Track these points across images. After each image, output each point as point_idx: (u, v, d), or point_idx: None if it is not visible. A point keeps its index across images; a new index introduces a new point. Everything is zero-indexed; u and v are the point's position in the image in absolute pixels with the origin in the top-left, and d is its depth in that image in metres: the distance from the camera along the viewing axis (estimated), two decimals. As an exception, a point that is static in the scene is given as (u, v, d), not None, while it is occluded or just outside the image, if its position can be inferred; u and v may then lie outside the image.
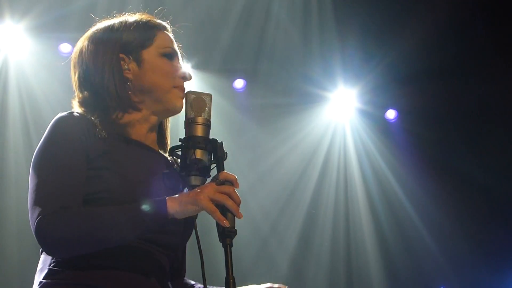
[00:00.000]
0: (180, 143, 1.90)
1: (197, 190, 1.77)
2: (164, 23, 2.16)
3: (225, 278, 1.72)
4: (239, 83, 5.92)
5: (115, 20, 2.13)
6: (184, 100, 1.96)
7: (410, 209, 6.35)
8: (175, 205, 1.76)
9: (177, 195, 1.79)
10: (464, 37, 5.77)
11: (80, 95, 2.06)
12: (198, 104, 1.92)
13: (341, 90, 6.10)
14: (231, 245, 1.74)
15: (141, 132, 2.03)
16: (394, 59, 5.77)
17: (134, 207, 1.76)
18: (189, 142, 1.87)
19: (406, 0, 5.64)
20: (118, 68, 2.01)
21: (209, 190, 1.76)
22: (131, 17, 2.13)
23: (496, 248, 6.19)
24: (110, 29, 2.10)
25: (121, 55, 2.03)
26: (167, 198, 1.77)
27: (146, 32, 2.07)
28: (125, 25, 2.09)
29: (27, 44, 5.19)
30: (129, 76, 2.02)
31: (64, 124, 1.91)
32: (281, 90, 6.01)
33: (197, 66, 5.50)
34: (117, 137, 1.96)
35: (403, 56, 5.73)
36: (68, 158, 1.84)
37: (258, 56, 5.78)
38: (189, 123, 1.89)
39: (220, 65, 5.66)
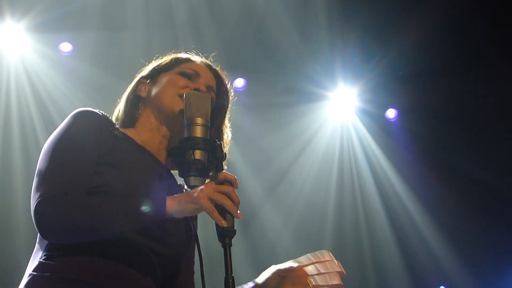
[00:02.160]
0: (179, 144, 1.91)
1: (196, 189, 1.79)
2: (205, 60, 2.28)
3: (225, 278, 1.71)
4: (239, 82, 5.92)
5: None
6: (183, 102, 1.99)
7: (411, 208, 6.35)
8: (174, 203, 1.78)
9: (177, 195, 1.81)
10: (464, 36, 5.77)
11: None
12: (197, 105, 1.93)
13: (341, 89, 6.09)
14: (230, 245, 1.74)
15: (152, 142, 2.10)
16: (394, 58, 5.77)
17: (134, 202, 1.78)
18: (188, 143, 1.88)
19: (406, -1, 5.65)
20: (134, 89, 2.20)
21: (208, 189, 1.77)
22: (170, 56, 2.28)
23: (497, 247, 6.20)
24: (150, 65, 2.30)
25: (142, 80, 2.22)
26: (167, 197, 1.79)
27: (176, 61, 2.22)
28: (160, 60, 2.26)
29: (27, 44, 5.19)
30: (143, 94, 2.17)
31: (83, 117, 1.98)
32: (281, 89, 6.01)
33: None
34: (128, 140, 2.04)
35: (404, 55, 5.73)
36: (79, 149, 1.90)
37: (258, 55, 5.78)
38: (188, 124, 1.91)
39: (220, 64, 5.65)
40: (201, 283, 1.87)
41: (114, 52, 5.10)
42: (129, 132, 2.08)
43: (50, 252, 1.83)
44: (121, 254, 1.85)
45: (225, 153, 1.90)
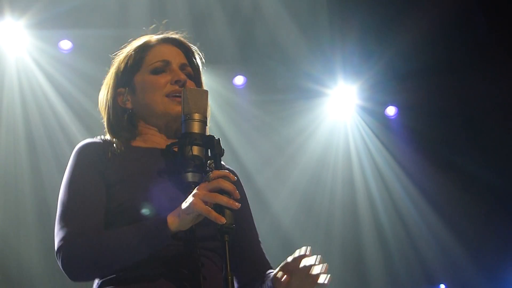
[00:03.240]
0: (177, 139, 1.91)
1: (190, 196, 1.78)
2: (159, 36, 2.23)
3: (224, 275, 1.70)
4: (239, 80, 5.91)
5: (119, 56, 2.25)
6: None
7: (411, 205, 6.35)
8: (175, 220, 1.79)
9: (176, 209, 1.81)
10: (464, 34, 5.77)
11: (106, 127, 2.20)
12: (195, 100, 1.93)
13: (341, 86, 6.09)
14: (229, 242, 1.73)
15: (160, 141, 2.11)
16: (394, 55, 5.77)
17: (139, 229, 1.82)
18: (186, 139, 1.88)
19: (406, -4, 5.64)
20: (115, 104, 2.16)
21: (200, 192, 1.76)
22: (129, 47, 2.23)
23: (497, 245, 6.19)
24: (113, 67, 2.23)
25: (119, 90, 2.17)
26: (168, 215, 1.80)
27: (138, 55, 2.17)
28: (121, 59, 2.21)
29: (27, 41, 5.19)
30: (129, 106, 2.15)
31: (81, 154, 2.04)
32: (281, 87, 6.01)
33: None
34: (133, 149, 2.08)
35: (403, 53, 5.73)
36: (86, 187, 1.97)
37: (258, 53, 5.77)
38: (186, 120, 1.90)
39: (220, 61, 5.65)
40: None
41: (115, 49, 5.10)
42: (135, 142, 2.12)
43: (102, 281, 1.92)
44: (164, 268, 1.89)
45: (223, 149, 1.89)
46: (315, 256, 1.91)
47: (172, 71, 2.13)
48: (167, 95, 2.09)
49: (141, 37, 2.25)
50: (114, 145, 2.07)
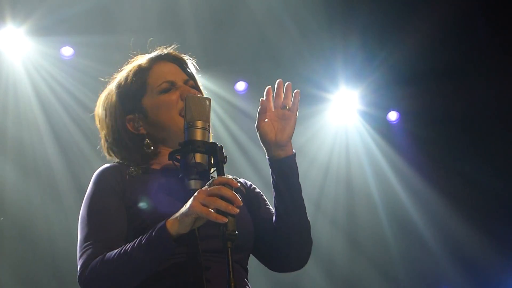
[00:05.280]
0: (180, 147, 1.91)
1: (190, 200, 1.80)
2: (152, 55, 2.26)
3: (227, 282, 1.70)
4: (240, 85, 5.91)
5: (114, 83, 2.25)
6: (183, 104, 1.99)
7: (413, 210, 6.34)
8: (174, 223, 1.80)
9: (176, 213, 1.83)
10: (466, 38, 5.77)
11: (111, 152, 2.22)
12: (197, 108, 1.92)
13: (343, 91, 6.09)
14: (232, 249, 1.73)
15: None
16: (396, 60, 5.77)
17: (141, 241, 1.84)
18: (189, 146, 1.88)
19: (408, 0, 5.63)
20: (127, 132, 2.17)
21: (199, 195, 1.77)
22: (124, 71, 2.25)
23: (499, 248, 6.18)
24: (112, 96, 2.22)
25: (128, 117, 2.17)
26: (167, 220, 1.82)
27: (138, 80, 2.19)
28: (121, 84, 2.21)
29: (28, 48, 5.19)
30: (143, 131, 2.16)
31: (100, 179, 2.08)
32: (282, 92, 5.99)
33: (199, 69, 5.48)
34: (150, 170, 2.11)
35: (405, 58, 5.72)
36: (104, 211, 2.01)
37: (259, 58, 5.77)
38: (189, 127, 1.90)
39: (222, 67, 5.65)
40: None
41: (116, 55, 5.10)
42: (150, 163, 2.15)
43: None
44: (169, 278, 1.91)
45: (226, 156, 1.89)
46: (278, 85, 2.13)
47: (179, 88, 2.16)
48: (182, 115, 2.10)
49: (134, 59, 2.28)
50: (131, 168, 2.10)
